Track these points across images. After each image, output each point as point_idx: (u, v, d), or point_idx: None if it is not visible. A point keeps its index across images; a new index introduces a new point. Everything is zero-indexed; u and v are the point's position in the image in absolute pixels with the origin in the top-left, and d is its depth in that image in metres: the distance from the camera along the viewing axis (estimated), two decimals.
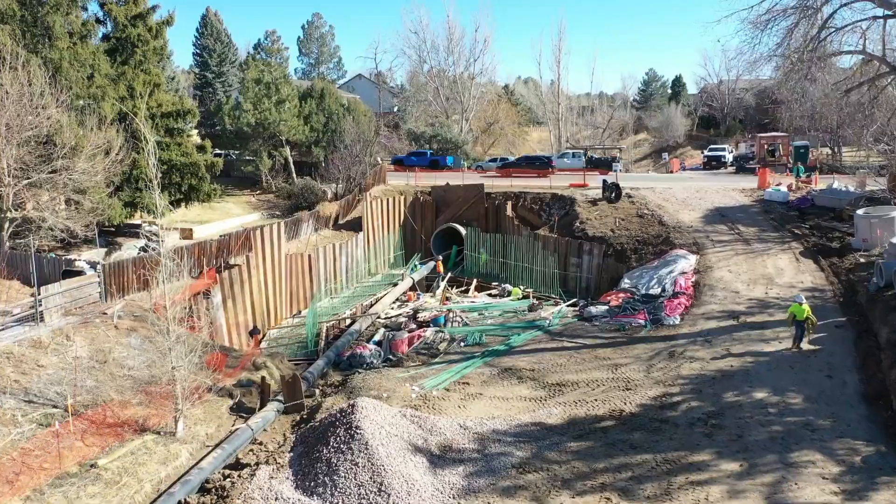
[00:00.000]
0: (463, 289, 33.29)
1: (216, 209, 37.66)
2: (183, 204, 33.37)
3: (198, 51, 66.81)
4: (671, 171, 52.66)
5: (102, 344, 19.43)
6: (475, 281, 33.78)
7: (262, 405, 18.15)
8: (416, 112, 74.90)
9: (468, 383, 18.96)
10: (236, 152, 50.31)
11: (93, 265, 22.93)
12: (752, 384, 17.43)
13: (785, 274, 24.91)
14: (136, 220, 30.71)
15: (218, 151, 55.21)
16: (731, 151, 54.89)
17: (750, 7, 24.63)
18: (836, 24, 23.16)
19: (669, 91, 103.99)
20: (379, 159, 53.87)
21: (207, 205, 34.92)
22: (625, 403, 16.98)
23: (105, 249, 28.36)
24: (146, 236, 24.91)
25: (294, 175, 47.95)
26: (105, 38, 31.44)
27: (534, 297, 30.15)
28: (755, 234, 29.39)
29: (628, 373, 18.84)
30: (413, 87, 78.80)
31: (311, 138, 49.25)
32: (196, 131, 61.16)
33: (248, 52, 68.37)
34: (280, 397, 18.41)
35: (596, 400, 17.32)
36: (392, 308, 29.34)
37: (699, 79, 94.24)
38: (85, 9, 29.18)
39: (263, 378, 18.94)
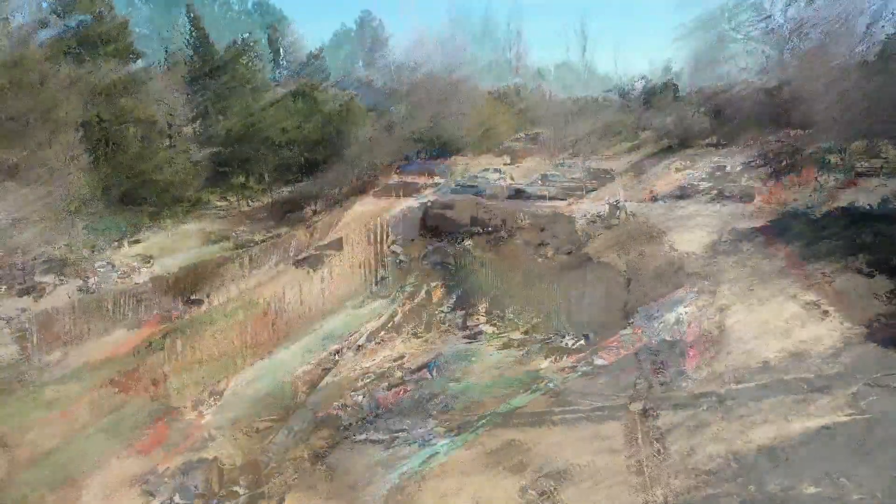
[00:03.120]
0: (456, 320, 30.13)
1: (179, 234, 34.29)
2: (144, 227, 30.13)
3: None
4: (676, 181, 49.37)
5: None
6: (468, 311, 30.64)
7: None
8: (410, 113, 71.34)
9: (451, 472, 15.89)
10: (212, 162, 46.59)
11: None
12: (802, 470, 14.38)
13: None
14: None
15: (194, 160, 51.84)
16: (742, 163, 51.51)
17: None
18: None
19: (671, 90, 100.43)
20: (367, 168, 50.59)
21: (168, 230, 31.58)
22: None
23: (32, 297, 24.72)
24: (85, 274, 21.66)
25: (271, 190, 44.55)
26: None
27: (532, 335, 27.04)
28: (778, 264, 26.24)
29: (644, 454, 15.76)
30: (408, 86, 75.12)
31: (294, 147, 45.79)
32: (192, 129, 57.54)
33: (230, 46, 64.43)
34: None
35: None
36: (374, 344, 26.26)
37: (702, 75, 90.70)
38: None
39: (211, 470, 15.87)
